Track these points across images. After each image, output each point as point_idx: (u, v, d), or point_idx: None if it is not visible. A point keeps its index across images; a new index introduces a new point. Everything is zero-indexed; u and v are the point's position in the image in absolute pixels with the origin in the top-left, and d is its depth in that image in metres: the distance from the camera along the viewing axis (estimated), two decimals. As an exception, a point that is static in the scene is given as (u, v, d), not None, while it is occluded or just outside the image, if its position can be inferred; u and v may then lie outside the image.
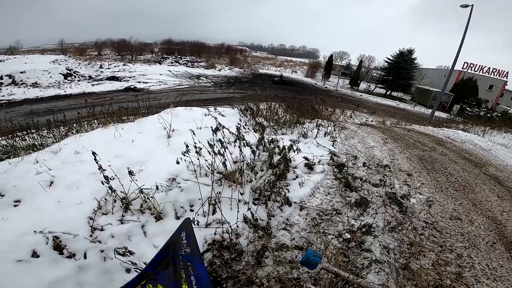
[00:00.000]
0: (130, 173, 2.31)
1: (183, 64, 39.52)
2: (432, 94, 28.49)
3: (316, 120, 5.63)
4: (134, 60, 39.92)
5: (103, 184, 2.32)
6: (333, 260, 2.26)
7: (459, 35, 13.35)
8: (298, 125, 5.30)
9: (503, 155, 6.65)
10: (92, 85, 20.98)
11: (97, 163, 2.26)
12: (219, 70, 35.48)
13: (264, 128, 4.41)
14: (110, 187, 2.33)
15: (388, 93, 34.30)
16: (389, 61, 34.98)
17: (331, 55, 44.38)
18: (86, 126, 5.31)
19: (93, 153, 2.27)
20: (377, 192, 3.51)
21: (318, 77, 39.26)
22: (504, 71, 32.76)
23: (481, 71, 32.37)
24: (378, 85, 35.69)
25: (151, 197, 2.42)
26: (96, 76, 25.02)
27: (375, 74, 39.59)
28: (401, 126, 9.70)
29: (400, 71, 33.11)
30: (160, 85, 20.27)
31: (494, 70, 32.69)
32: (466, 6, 13.24)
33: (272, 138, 3.80)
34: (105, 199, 2.46)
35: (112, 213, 2.37)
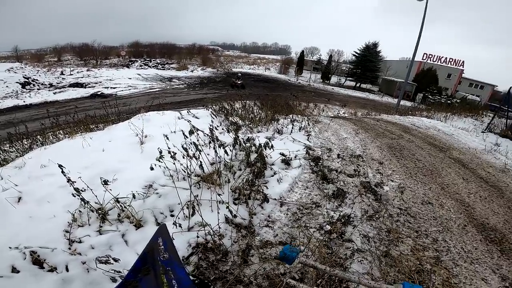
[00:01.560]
0: (105, 182, 2.25)
1: (153, 66, 38.18)
2: (397, 85, 30.11)
3: (291, 115, 5.74)
4: (99, 65, 37.88)
5: (75, 196, 2.25)
6: (317, 252, 2.32)
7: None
8: (273, 122, 5.37)
9: (465, 139, 7.21)
10: (54, 93, 19.59)
11: (64, 175, 2.16)
12: (192, 71, 34.75)
13: (240, 127, 4.42)
14: (83, 199, 2.26)
15: (357, 85, 35.73)
16: (356, 54, 36.40)
17: (303, 51, 45.19)
18: (51, 137, 4.99)
19: (60, 166, 2.16)
20: (352, 182, 3.65)
21: (291, 73, 39.87)
22: (460, 60, 35.47)
23: (439, 61, 34.77)
24: (348, 78, 37.04)
25: (128, 205, 2.37)
26: (57, 83, 23.42)
27: (344, 68, 40.99)
28: (371, 117, 10.16)
29: (367, 64, 34.62)
30: (129, 89, 19.44)
31: (451, 60, 35.27)
32: (422, -1, 14.17)
33: (248, 137, 3.82)
34: (79, 211, 2.39)
35: (89, 225, 2.32)
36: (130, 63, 39.71)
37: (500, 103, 10.70)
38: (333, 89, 30.27)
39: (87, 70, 30.60)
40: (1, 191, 2.72)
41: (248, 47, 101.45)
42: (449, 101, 19.97)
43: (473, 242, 2.79)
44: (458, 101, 21.03)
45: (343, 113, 11.75)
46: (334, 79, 38.24)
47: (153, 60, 42.20)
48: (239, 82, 18.37)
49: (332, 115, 9.82)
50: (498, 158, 5.76)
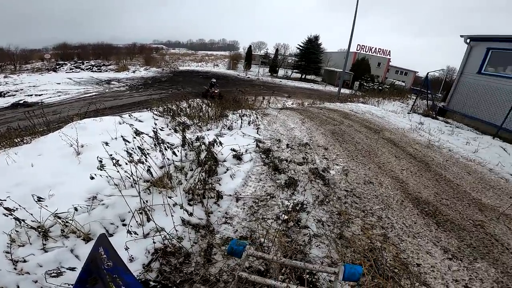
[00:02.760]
0: (39, 199, 2.10)
1: (86, 69, 34.30)
2: (337, 74, 32.58)
3: (240, 111, 5.80)
4: (18, 71, 32.61)
5: (7, 216, 2.03)
6: (277, 242, 2.40)
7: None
8: (223, 118, 5.36)
9: (394, 120, 8.19)
10: (-39, 106, 16.30)
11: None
12: (134, 72, 32.23)
13: (188, 127, 4.31)
14: (17, 218, 2.05)
15: (303, 77, 37.64)
16: (300, 47, 38.23)
17: (250, 46, 45.54)
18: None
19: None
20: (302, 170, 3.85)
21: (240, 68, 39.94)
22: (387, 50, 39.84)
23: (370, 51, 38.57)
24: (294, 71, 38.77)
25: (71, 220, 2.22)
26: (-36, 95, 19.50)
27: (290, 61, 42.66)
28: (316, 106, 10.84)
29: (310, 56, 36.68)
30: (59, 95, 17.17)
31: (380, 50, 39.40)
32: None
33: (198, 136, 3.76)
34: (16, 231, 2.16)
35: (30, 244, 2.14)
36: (57, 66, 35.06)
37: (420, 87, 12.39)
38: (281, 81, 31.29)
39: (4, 77, 26.08)
40: None
41: (195, 44, 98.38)
42: (380, 88, 22.39)
43: (411, 216, 3.08)
44: (387, 87, 23.72)
45: (291, 104, 12.29)
46: (281, 72, 39.56)
47: (86, 62, 37.97)
48: (216, 91, 11.92)
49: (281, 107, 10.19)
50: (423, 135, 6.70)
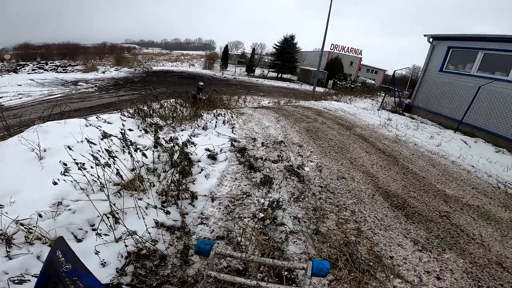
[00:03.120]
0: None
1: (51, 70, 32.00)
2: (312, 73, 33.40)
3: (215, 110, 5.75)
4: (-27, 72, 29.78)
5: None
6: (254, 241, 2.39)
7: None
8: (197, 118, 5.28)
9: (365, 117, 8.54)
10: None
11: None
12: (103, 72, 30.63)
13: (161, 128, 4.19)
14: None
15: (279, 76, 38.10)
16: (276, 47, 38.65)
17: (227, 45, 45.29)
18: None
19: None
20: (277, 167, 3.88)
21: (217, 68, 39.56)
22: (359, 49, 41.48)
23: (343, 50, 39.95)
24: (270, 70, 39.13)
25: (34, 226, 2.15)
26: None
27: (267, 60, 42.97)
28: (291, 104, 11.03)
29: (286, 55, 37.21)
30: (21, 98, 15.89)
31: (352, 49, 40.93)
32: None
33: (171, 137, 3.67)
34: None
35: None
36: (18, 67, 32.45)
37: (388, 85, 13.05)
38: (257, 81, 31.41)
39: (-45, 79, 23.66)
40: None
41: (170, 44, 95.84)
42: (352, 86, 23.27)
43: (382, 210, 3.18)
44: (359, 85, 24.72)
45: (268, 103, 12.40)
46: (258, 71, 39.77)
47: (51, 63, 35.50)
48: (203, 97, 9.58)
49: (257, 106, 10.24)
50: (391, 131, 7.06)
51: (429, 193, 3.76)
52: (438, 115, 9.05)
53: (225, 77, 31.85)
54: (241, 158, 3.99)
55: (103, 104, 13.63)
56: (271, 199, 3.06)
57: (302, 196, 3.24)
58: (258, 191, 3.26)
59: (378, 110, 10.19)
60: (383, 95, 12.21)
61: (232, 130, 5.01)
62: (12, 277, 1.64)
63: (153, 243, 2.24)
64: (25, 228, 2.14)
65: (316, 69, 20.24)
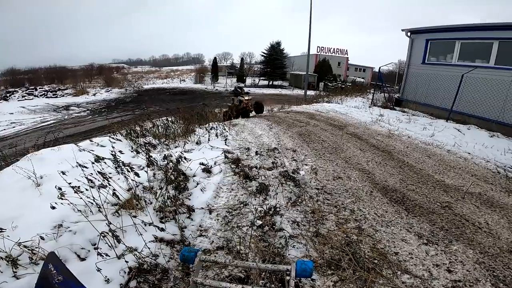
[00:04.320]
0: (0, 230, 2.19)
1: (40, 95, 32.04)
2: (303, 77, 33.83)
3: (207, 124, 5.80)
4: (-40, 104, 29.67)
5: None
6: (254, 248, 2.40)
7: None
8: (190, 134, 5.32)
9: (357, 115, 8.63)
10: None
11: None
12: (94, 95, 30.77)
13: (154, 147, 4.23)
14: None
15: (270, 83, 38.52)
16: (264, 54, 39.26)
17: (215, 58, 45.84)
18: None
19: None
20: (272, 174, 3.90)
21: (207, 81, 39.88)
22: (344, 49, 42.25)
23: (329, 52, 40.63)
24: (261, 78, 39.57)
25: (37, 247, 2.27)
26: None
27: (256, 69, 43.50)
28: (283, 110, 11.13)
29: (275, 62, 37.76)
30: (14, 127, 15.90)
31: (338, 50, 41.66)
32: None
33: (165, 155, 3.70)
34: None
35: (1, 272, 2.19)
36: (7, 94, 32.40)
37: (376, 82, 13.29)
38: (249, 90, 31.66)
39: None
40: None
41: (158, 61, 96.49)
42: (343, 86, 23.58)
43: (382, 206, 3.15)
44: (349, 84, 25.07)
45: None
46: (249, 80, 40.16)
47: (40, 88, 35.46)
48: (248, 98, 9.70)
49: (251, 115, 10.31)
50: (383, 126, 7.14)
51: (428, 185, 3.74)
52: (428, 106, 9.21)
53: (216, 89, 32.12)
54: (236, 169, 4.02)
55: (97, 127, 13.67)
56: (268, 206, 3.07)
57: (300, 200, 3.25)
58: (255, 199, 3.27)
59: (369, 107, 10.33)
60: (373, 92, 12.40)
61: (225, 142, 5.05)
62: None
63: (153, 257, 2.30)
64: (29, 249, 2.25)
65: (305, 73, 20.53)
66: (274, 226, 2.75)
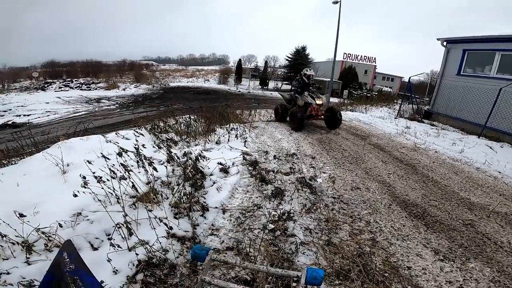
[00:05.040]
0: (20, 215, 2.20)
1: (76, 87, 34.24)
2: (327, 84, 33.33)
3: (228, 125, 5.87)
4: (6, 90, 32.41)
5: None
6: (264, 252, 2.39)
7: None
8: (210, 133, 5.41)
9: (381, 126, 8.35)
10: None
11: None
12: (124, 90, 32.33)
13: (176, 143, 4.34)
14: None
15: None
16: (289, 59, 39.13)
17: (240, 60, 46.31)
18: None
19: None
20: (289, 179, 3.86)
21: (231, 82, 40.47)
22: (372, 57, 41.10)
23: (356, 59, 39.71)
24: (284, 82, 39.47)
25: (54, 234, 2.31)
26: (-50, 118, 19.17)
27: (280, 73, 43.48)
28: (304, 116, 10.98)
29: (299, 67, 37.32)
30: (48, 115, 17.09)
31: (366, 57, 40.61)
32: (336, 2, 16.10)
33: (185, 152, 3.78)
34: (1, 245, 2.26)
35: (14, 257, 2.23)
36: (46, 85, 34.92)
37: (405, 92, 12.77)
38: (271, 94, 31.71)
39: (-8, 97, 25.85)
40: None
41: (185, 60, 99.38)
42: (368, 94, 22.90)
43: (400, 219, 3.06)
44: (375, 93, 24.28)
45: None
46: (271, 84, 40.23)
47: (76, 81, 37.95)
48: (320, 103, 7.34)
49: (270, 119, 10.32)
50: (409, 139, 6.84)
51: (452, 201, 3.58)
52: (459, 121, 8.68)
53: (239, 91, 32.47)
54: (253, 171, 4.02)
55: (124, 121, 14.30)
56: (282, 211, 3.05)
57: (314, 207, 3.20)
58: (269, 203, 3.26)
59: (395, 118, 9.94)
60: (400, 103, 11.92)
61: (245, 144, 5.08)
62: (21, 281, 1.73)
63: (163, 252, 2.32)
64: (46, 236, 2.30)
65: (329, 79, 20.20)
66: (286, 231, 2.72)
